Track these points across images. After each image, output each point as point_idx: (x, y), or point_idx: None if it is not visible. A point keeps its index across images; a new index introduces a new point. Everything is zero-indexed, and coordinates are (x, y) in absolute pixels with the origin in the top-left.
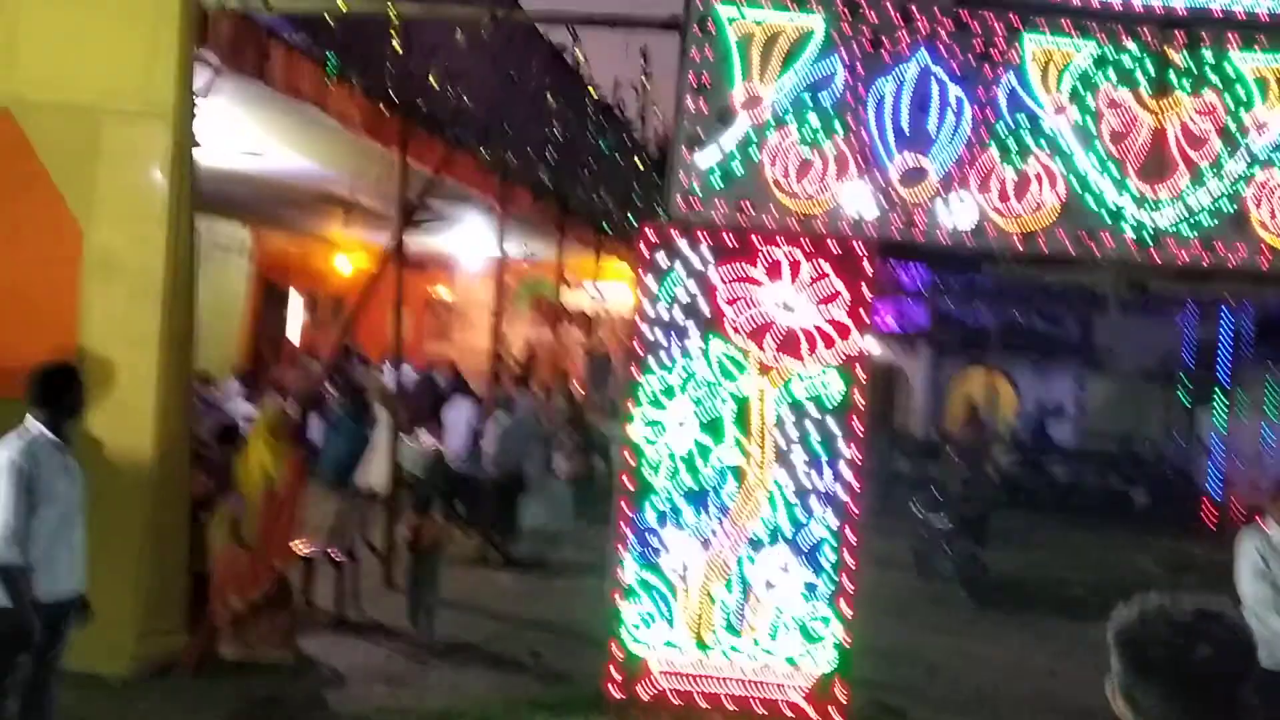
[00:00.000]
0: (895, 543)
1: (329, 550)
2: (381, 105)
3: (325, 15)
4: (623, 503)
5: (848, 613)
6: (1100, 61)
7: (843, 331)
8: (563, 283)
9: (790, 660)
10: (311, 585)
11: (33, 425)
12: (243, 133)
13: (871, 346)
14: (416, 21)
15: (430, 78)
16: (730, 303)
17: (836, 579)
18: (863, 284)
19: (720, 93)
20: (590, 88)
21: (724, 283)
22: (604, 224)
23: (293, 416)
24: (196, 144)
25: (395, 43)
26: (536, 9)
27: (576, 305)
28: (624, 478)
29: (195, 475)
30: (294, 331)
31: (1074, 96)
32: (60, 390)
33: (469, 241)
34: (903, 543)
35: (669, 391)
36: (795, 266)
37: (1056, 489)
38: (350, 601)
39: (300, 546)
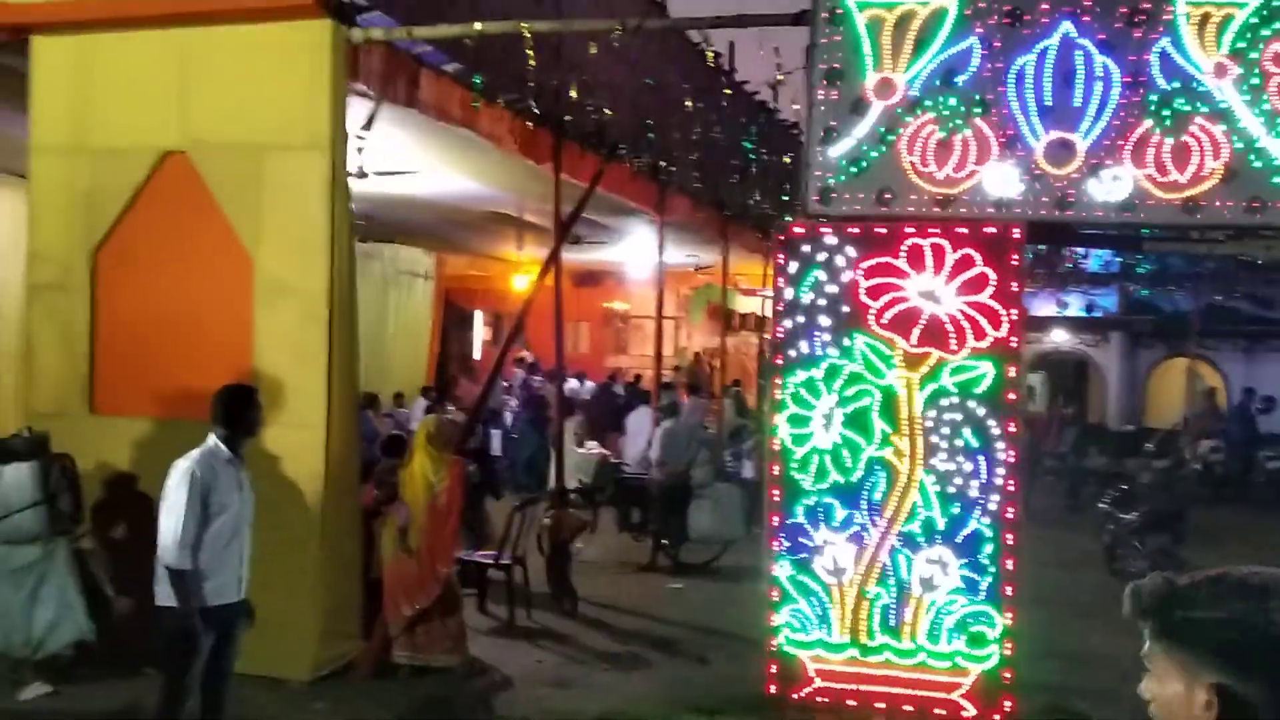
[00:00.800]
0: (1086, 541)
1: (499, 556)
2: (529, 123)
3: (466, 39)
4: (772, 503)
5: (1009, 611)
6: (1268, 14)
7: (993, 318)
8: (733, 287)
9: (951, 660)
10: (483, 591)
11: (212, 441)
12: (404, 158)
13: (1055, 337)
14: (556, 37)
15: (574, 91)
16: (873, 295)
17: (997, 576)
18: (1012, 268)
19: (852, 82)
20: (733, 88)
21: (865, 275)
22: (767, 226)
23: (457, 426)
24: (362, 175)
25: (533, 60)
26: (675, 16)
27: (749, 309)
28: (771, 478)
29: (364, 486)
30: (478, 349)
31: (1236, 55)
32: (239, 410)
33: (638, 253)
34: (1094, 541)
35: (813, 389)
36: (939, 254)
37: (1267, 483)
38: (520, 607)
39: (469, 553)
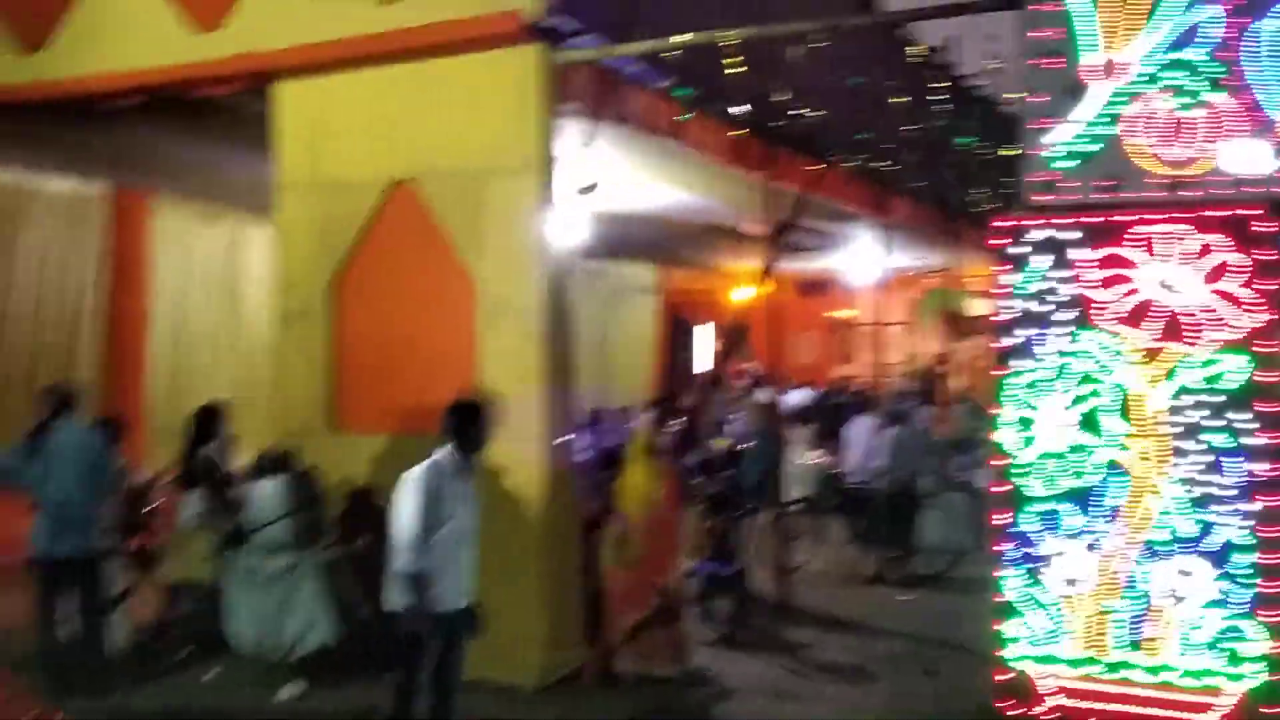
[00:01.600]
0: None
1: (722, 567)
2: (736, 132)
3: (665, 53)
4: (997, 511)
5: (1271, 625)
6: None
7: (1242, 308)
8: (964, 289)
9: (1203, 679)
10: (706, 601)
11: (441, 453)
12: (620, 174)
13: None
14: (763, 44)
15: (780, 97)
16: (1101, 287)
17: (1254, 586)
18: (1259, 251)
19: (1071, 64)
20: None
21: (1091, 267)
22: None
23: (664, 438)
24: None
25: (737, 68)
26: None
27: (984, 312)
28: (996, 484)
29: (584, 497)
30: (703, 362)
31: None
32: (467, 423)
33: (862, 259)
34: None
35: (1039, 389)
36: (1173, 240)
37: None
38: (743, 618)
39: (691, 564)
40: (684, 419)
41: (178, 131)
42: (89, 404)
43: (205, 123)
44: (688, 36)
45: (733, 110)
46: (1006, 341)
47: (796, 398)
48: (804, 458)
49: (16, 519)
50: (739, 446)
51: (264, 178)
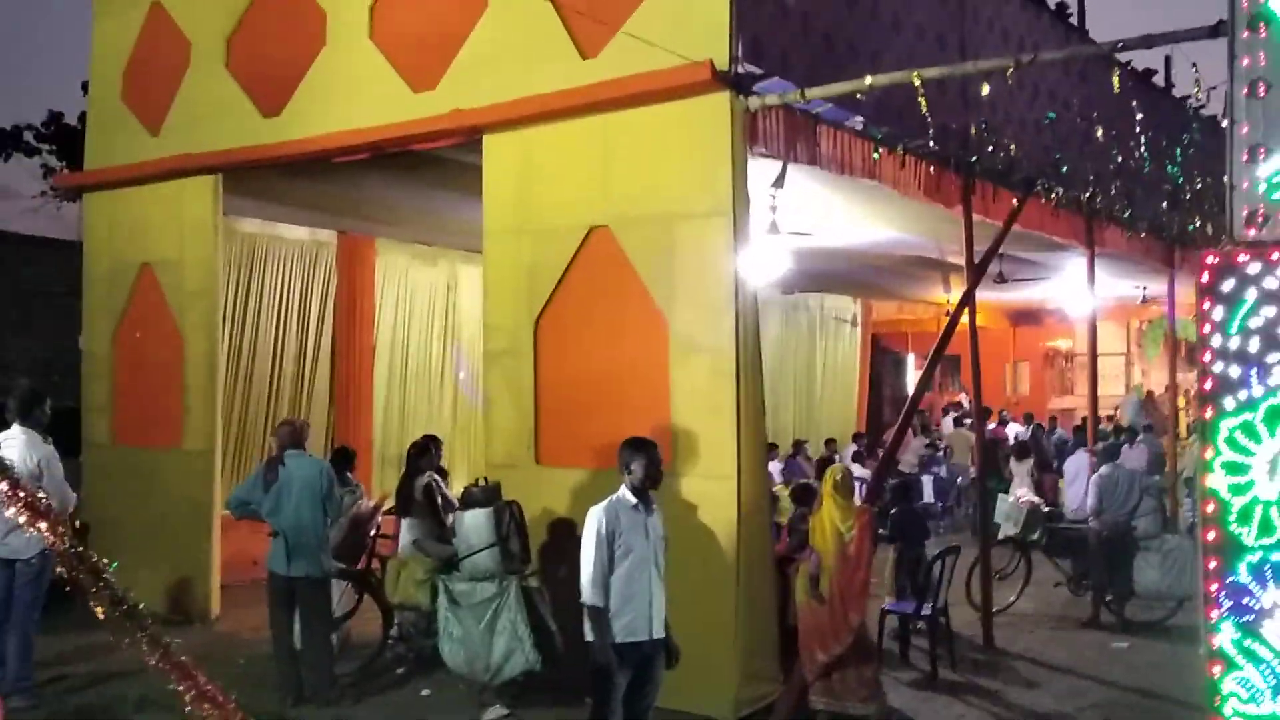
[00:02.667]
0: None
1: (920, 606)
2: (934, 167)
3: (857, 94)
4: (1210, 560)
5: None
6: None
7: None
8: (1188, 318)
9: None
10: (905, 640)
11: (620, 489)
12: (817, 211)
13: None
14: (959, 77)
15: (980, 131)
16: None
17: None
18: None
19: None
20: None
21: None
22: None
23: (860, 472)
24: (776, 231)
25: (932, 105)
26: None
27: None
28: (1208, 532)
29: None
30: (909, 393)
31: None
32: (636, 460)
33: (1077, 288)
34: None
35: (1253, 433)
36: None
37: None
38: (944, 658)
39: (888, 601)
40: (884, 452)
41: (398, 180)
42: (321, 434)
43: (423, 172)
44: (875, 78)
45: (928, 147)
46: (1214, 381)
47: (1013, 430)
48: (1015, 493)
49: (258, 543)
50: (943, 480)
51: (477, 220)
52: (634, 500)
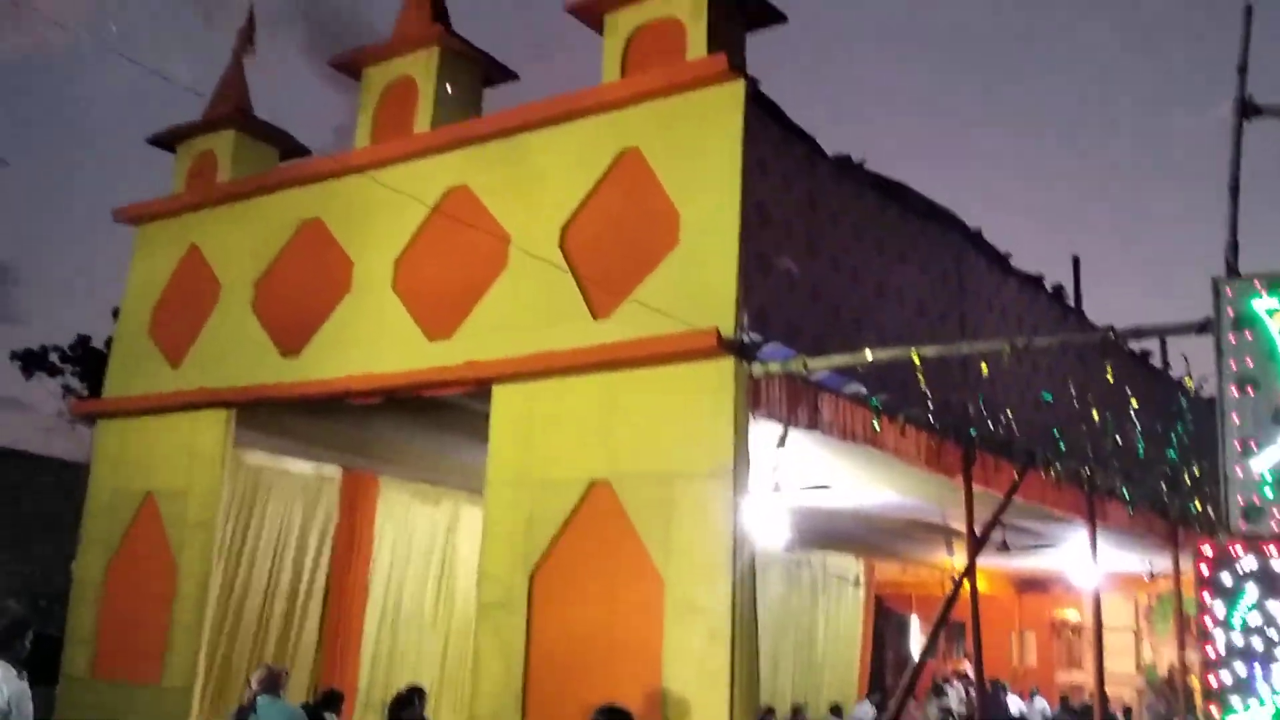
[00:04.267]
0: None
1: None
2: (934, 438)
3: (858, 366)
4: None
5: None
6: None
7: None
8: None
9: None
10: None
11: None
12: (818, 473)
13: None
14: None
15: (979, 404)
16: None
17: None
18: None
19: (1269, 391)
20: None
21: None
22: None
23: None
24: (777, 490)
25: (931, 379)
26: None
27: None
28: None
29: None
30: (914, 658)
31: None
32: None
33: (1081, 559)
34: None
35: None
36: None
37: None
38: None
39: None
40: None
41: (406, 422)
42: (306, 675)
43: (431, 415)
44: (876, 353)
45: (928, 418)
46: (1215, 673)
47: (1014, 704)
48: None
49: None
50: None
51: (481, 462)
52: None
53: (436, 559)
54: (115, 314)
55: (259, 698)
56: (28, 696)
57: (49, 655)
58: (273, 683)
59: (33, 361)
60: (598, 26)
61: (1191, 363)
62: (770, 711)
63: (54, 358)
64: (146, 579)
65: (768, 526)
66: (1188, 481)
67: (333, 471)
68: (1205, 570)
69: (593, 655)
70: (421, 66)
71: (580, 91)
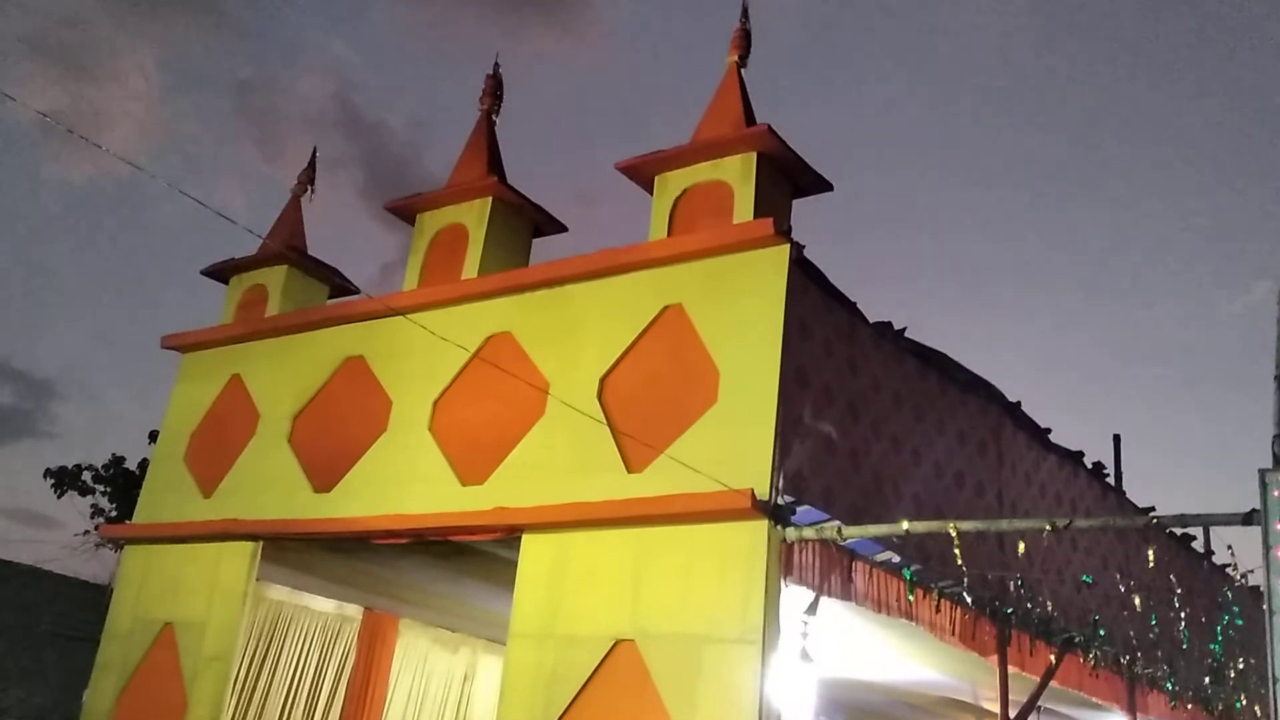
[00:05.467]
0: None
1: None
2: (967, 614)
3: (893, 537)
4: None
5: None
6: None
7: None
8: None
9: None
10: None
11: None
12: (849, 643)
13: None
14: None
15: (1014, 584)
16: None
17: None
18: None
19: None
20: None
21: None
22: None
23: None
24: (807, 659)
25: (966, 555)
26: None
27: None
28: None
29: None
30: None
31: None
32: None
33: None
34: None
35: None
36: None
37: None
38: None
39: None
40: None
41: (432, 565)
42: None
43: (457, 560)
44: (912, 524)
45: (963, 593)
46: None
47: None
48: None
49: None
50: None
51: (504, 611)
52: None
53: (452, 706)
54: (152, 436)
55: None
56: None
57: None
58: None
59: (65, 479)
60: (648, 186)
61: (1236, 551)
62: None
63: (86, 476)
64: (157, 712)
65: (796, 696)
66: (1232, 675)
67: (354, 611)
68: None
69: None
70: (474, 215)
71: (627, 247)
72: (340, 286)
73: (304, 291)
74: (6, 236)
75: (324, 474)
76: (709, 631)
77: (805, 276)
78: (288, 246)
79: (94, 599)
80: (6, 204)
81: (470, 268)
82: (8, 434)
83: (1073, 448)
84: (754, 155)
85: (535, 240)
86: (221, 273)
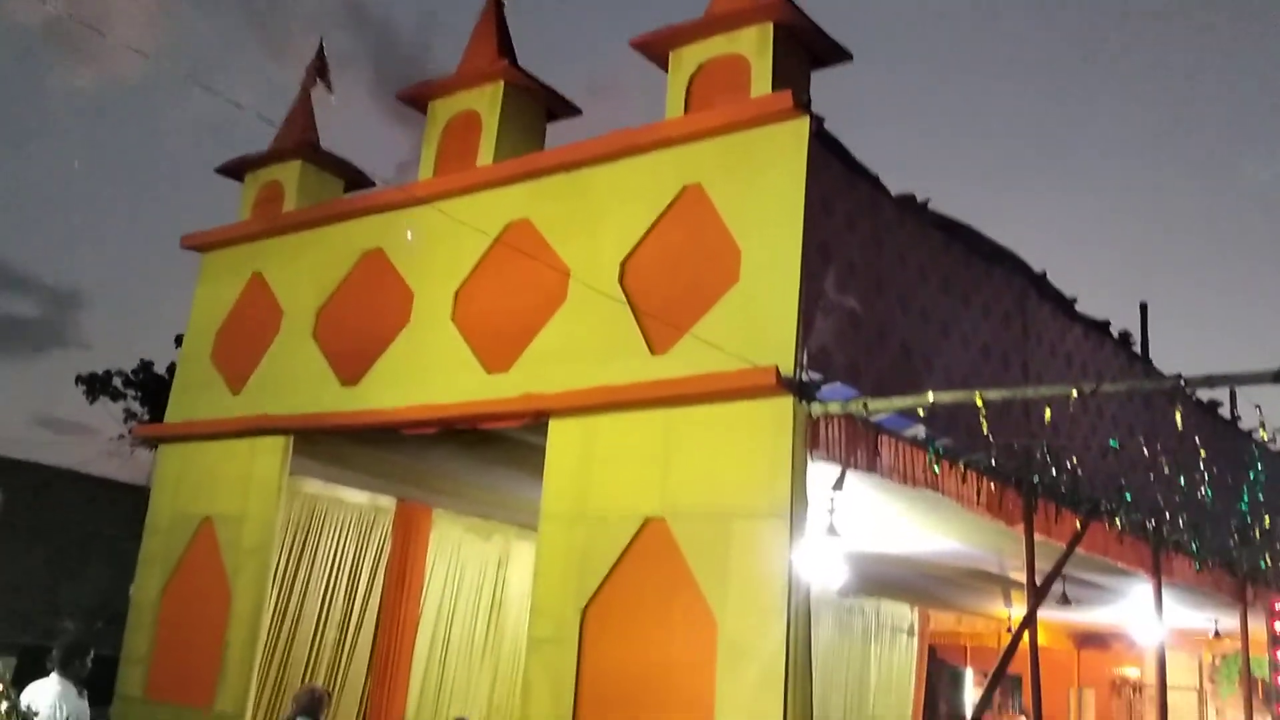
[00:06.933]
0: None
1: None
2: (995, 484)
3: (919, 409)
4: None
5: None
6: None
7: None
8: (1262, 656)
9: None
10: None
11: None
12: (876, 516)
13: None
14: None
15: (1043, 451)
16: None
17: None
18: None
19: None
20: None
21: None
22: None
23: None
24: (834, 534)
25: (993, 424)
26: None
27: None
28: None
29: None
30: (969, 708)
31: None
32: None
33: (1141, 617)
34: None
35: None
36: None
37: None
38: None
39: None
40: None
41: (462, 454)
42: (355, 705)
43: (486, 448)
44: (937, 395)
45: (990, 463)
46: None
47: None
48: None
49: None
50: None
51: (535, 498)
52: None
53: (487, 593)
54: (178, 340)
55: (298, 718)
56: (86, 714)
57: (106, 675)
58: (314, 705)
59: (97, 385)
60: (662, 63)
61: (1265, 413)
62: None
63: (117, 382)
64: (201, 603)
65: (823, 570)
66: (1258, 536)
67: (387, 502)
68: (1278, 629)
69: (643, 693)
70: (486, 100)
71: (643, 127)
72: (355, 180)
73: (319, 186)
74: (19, 149)
75: (350, 367)
76: (737, 508)
77: (826, 150)
78: (300, 141)
79: (133, 500)
80: (15, 117)
81: (485, 154)
82: (37, 345)
83: (1099, 317)
84: (770, 25)
85: (550, 127)
86: (236, 171)
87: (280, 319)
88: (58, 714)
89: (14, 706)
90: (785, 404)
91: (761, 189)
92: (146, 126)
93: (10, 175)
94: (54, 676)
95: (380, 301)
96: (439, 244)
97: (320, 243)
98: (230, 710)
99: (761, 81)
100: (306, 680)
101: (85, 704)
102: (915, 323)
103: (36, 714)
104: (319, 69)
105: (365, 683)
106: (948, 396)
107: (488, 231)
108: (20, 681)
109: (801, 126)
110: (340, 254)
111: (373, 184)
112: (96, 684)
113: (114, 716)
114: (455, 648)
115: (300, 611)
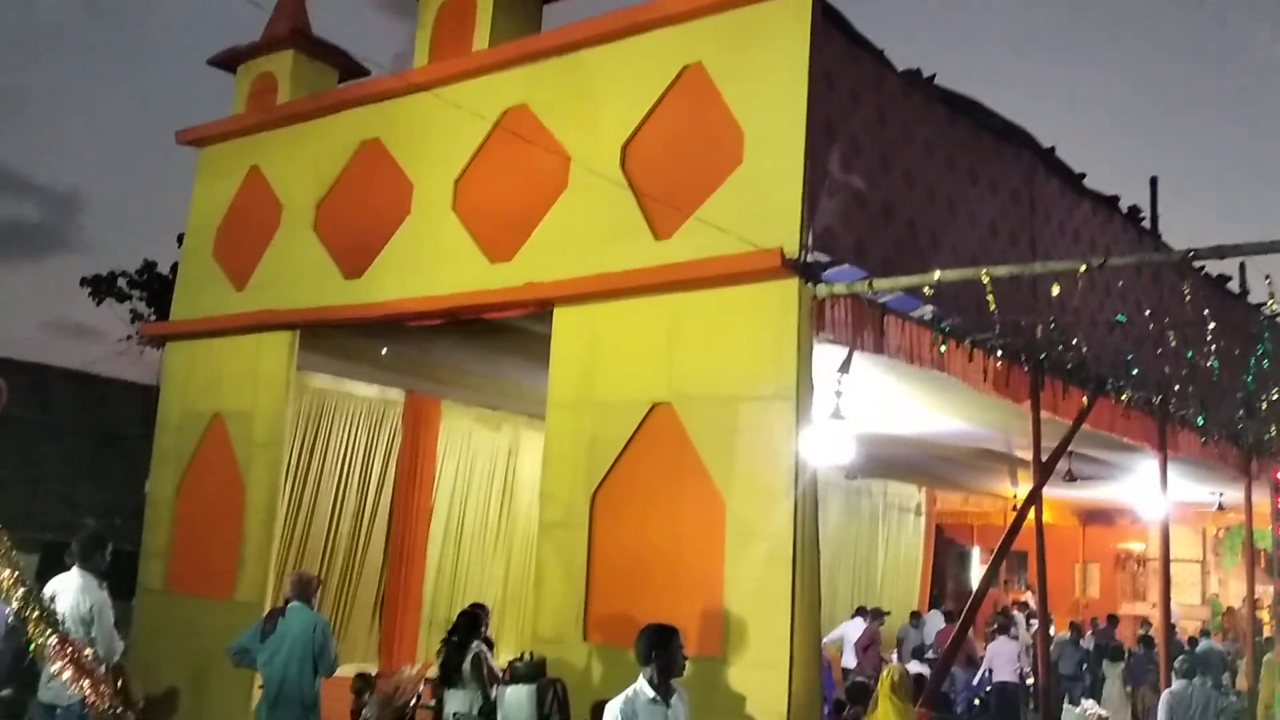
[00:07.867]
0: None
1: None
2: (1001, 362)
3: (926, 289)
4: None
5: None
6: None
7: None
8: (1266, 528)
9: None
10: None
11: (639, 681)
12: (883, 398)
13: None
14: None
15: (1049, 329)
16: None
17: None
18: None
19: None
20: (1242, 309)
21: None
22: None
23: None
24: (840, 417)
25: (1000, 302)
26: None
27: None
28: None
29: None
30: (975, 587)
31: None
32: (656, 650)
33: (1149, 490)
34: None
35: None
36: None
37: None
38: None
39: None
40: (943, 654)
41: (467, 345)
42: (373, 594)
43: (492, 338)
44: (943, 273)
45: (997, 342)
46: None
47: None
48: (1084, 707)
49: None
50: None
51: (542, 387)
52: (652, 693)
53: (498, 481)
54: (180, 240)
55: (290, 604)
56: (108, 606)
57: (126, 570)
58: (304, 589)
59: (101, 287)
60: None
61: (1275, 284)
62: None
63: (122, 283)
64: (216, 497)
65: (829, 451)
66: (1264, 408)
67: (396, 395)
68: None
69: (654, 574)
70: None
71: (641, 5)
72: (350, 70)
73: (313, 77)
74: (9, 53)
75: (352, 260)
76: (743, 390)
77: (829, 24)
78: (292, 30)
79: (144, 399)
80: (6, 18)
81: (480, 38)
82: (38, 249)
83: (1108, 193)
84: None
85: (546, 9)
86: (229, 63)
87: (280, 213)
88: (80, 607)
89: (36, 598)
90: (791, 286)
91: (763, 66)
92: (134, 25)
93: (2, 76)
94: (75, 570)
95: (380, 193)
96: (437, 133)
97: (317, 134)
98: (251, 600)
99: None
100: (324, 572)
101: (106, 595)
102: (922, 200)
103: (55, 606)
104: None
105: (382, 572)
106: (954, 274)
107: (486, 117)
108: (43, 577)
109: (804, 1)
110: (337, 145)
111: (367, 73)
112: (117, 579)
113: (137, 609)
114: (469, 536)
115: (314, 504)
